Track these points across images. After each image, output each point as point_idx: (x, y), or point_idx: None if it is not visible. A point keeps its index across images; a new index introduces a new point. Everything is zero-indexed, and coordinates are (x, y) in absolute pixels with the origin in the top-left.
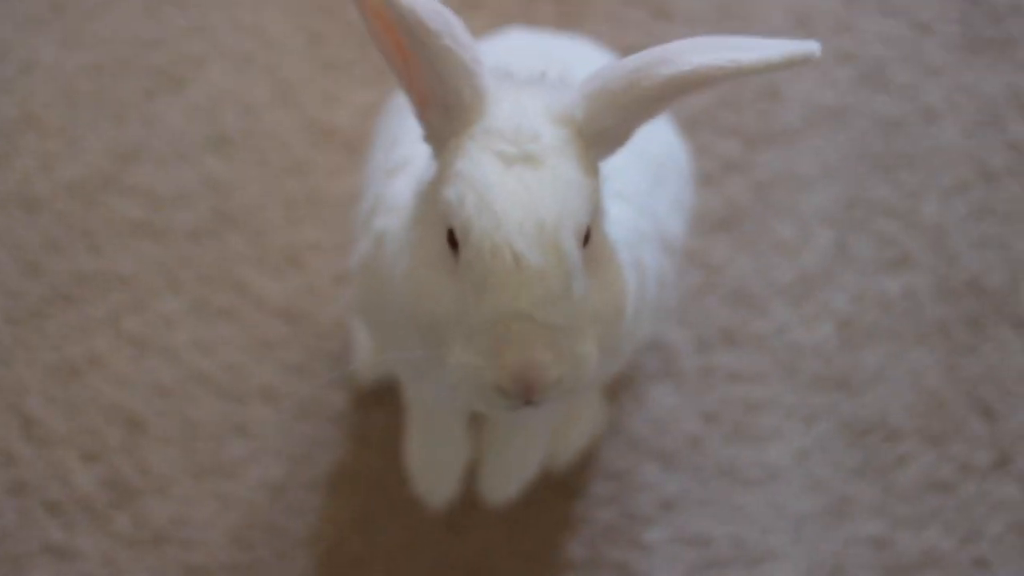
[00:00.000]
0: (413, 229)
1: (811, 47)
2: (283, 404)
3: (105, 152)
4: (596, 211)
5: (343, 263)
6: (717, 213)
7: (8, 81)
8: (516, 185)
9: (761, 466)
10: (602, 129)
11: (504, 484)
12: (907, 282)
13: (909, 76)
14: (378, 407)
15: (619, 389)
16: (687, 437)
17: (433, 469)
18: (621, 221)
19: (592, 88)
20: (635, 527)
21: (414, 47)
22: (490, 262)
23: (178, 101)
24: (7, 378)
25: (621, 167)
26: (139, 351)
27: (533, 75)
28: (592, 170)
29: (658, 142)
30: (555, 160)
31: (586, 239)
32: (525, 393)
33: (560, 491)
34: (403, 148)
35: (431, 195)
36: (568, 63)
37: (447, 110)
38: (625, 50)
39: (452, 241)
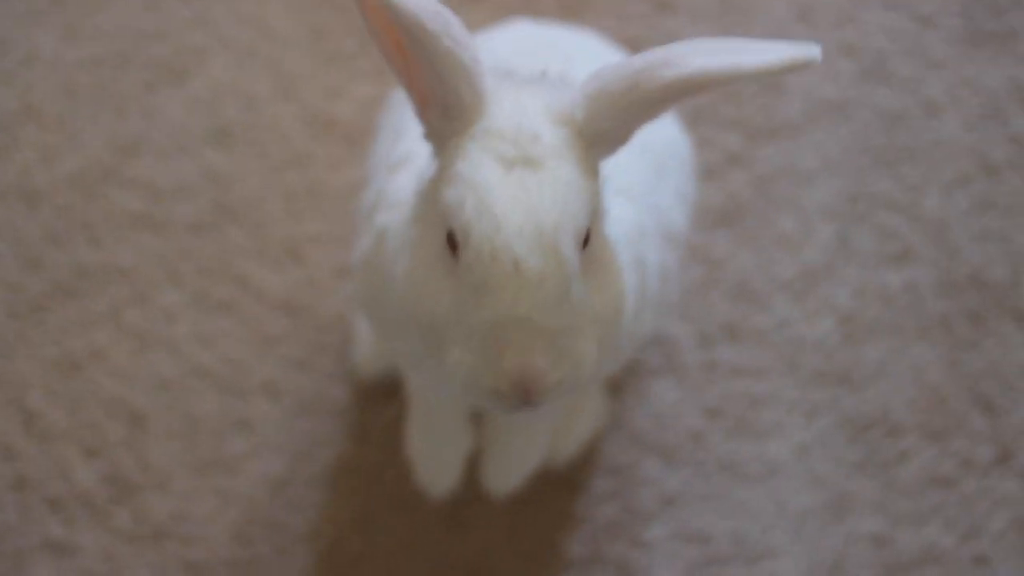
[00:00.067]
0: (413, 227)
1: (812, 51)
2: (284, 399)
3: (105, 145)
4: (596, 212)
5: (344, 256)
6: (719, 207)
7: (8, 73)
8: (516, 188)
9: (762, 461)
10: (602, 130)
11: (507, 475)
12: (909, 276)
13: (911, 69)
14: (379, 403)
15: (621, 384)
16: (689, 432)
17: (435, 459)
18: (623, 219)
19: (593, 89)
20: (636, 523)
21: (413, 47)
22: (489, 266)
23: (179, 94)
24: (8, 372)
25: (623, 163)
26: (140, 344)
27: (534, 74)
28: (592, 171)
29: (661, 135)
30: (555, 162)
31: (586, 240)
32: (523, 396)
33: (561, 486)
34: (405, 143)
35: (431, 194)
36: (571, 55)
37: (447, 110)
38: (628, 42)
39: (452, 242)
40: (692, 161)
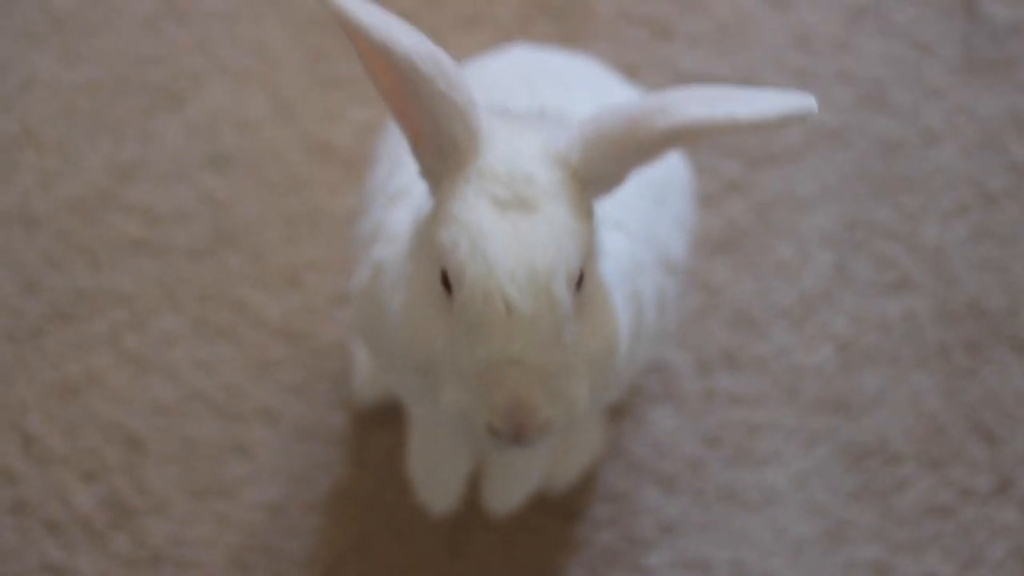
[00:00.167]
0: (410, 262)
1: (808, 104)
2: (282, 425)
3: (104, 169)
4: (590, 253)
5: (342, 282)
6: (718, 234)
7: (7, 98)
8: (509, 232)
9: (760, 489)
10: (598, 172)
11: (506, 496)
12: (907, 304)
13: (909, 97)
14: (378, 429)
15: (619, 411)
16: (687, 460)
17: (435, 477)
18: (619, 253)
19: (589, 132)
20: (635, 550)
21: (408, 89)
22: (482, 308)
23: (177, 118)
24: (7, 396)
25: (621, 196)
26: (138, 369)
27: (531, 110)
28: (586, 213)
29: (661, 163)
30: (549, 205)
31: (580, 281)
32: (516, 432)
33: (559, 513)
34: (403, 175)
35: (426, 232)
36: (569, 83)
37: (441, 150)
38: (626, 68)
39: (446, 281)
40: (692, 188)
